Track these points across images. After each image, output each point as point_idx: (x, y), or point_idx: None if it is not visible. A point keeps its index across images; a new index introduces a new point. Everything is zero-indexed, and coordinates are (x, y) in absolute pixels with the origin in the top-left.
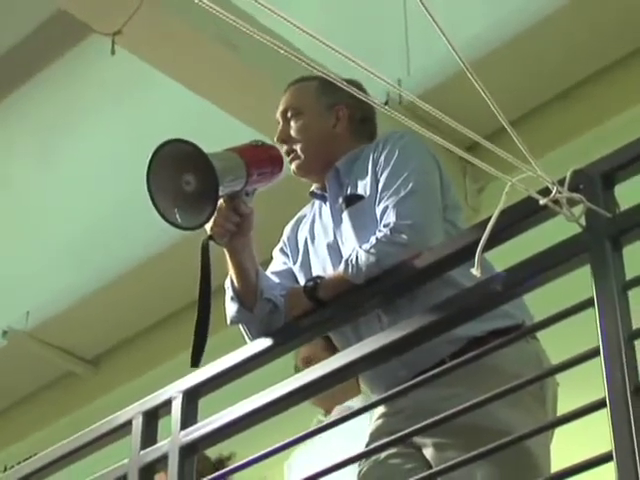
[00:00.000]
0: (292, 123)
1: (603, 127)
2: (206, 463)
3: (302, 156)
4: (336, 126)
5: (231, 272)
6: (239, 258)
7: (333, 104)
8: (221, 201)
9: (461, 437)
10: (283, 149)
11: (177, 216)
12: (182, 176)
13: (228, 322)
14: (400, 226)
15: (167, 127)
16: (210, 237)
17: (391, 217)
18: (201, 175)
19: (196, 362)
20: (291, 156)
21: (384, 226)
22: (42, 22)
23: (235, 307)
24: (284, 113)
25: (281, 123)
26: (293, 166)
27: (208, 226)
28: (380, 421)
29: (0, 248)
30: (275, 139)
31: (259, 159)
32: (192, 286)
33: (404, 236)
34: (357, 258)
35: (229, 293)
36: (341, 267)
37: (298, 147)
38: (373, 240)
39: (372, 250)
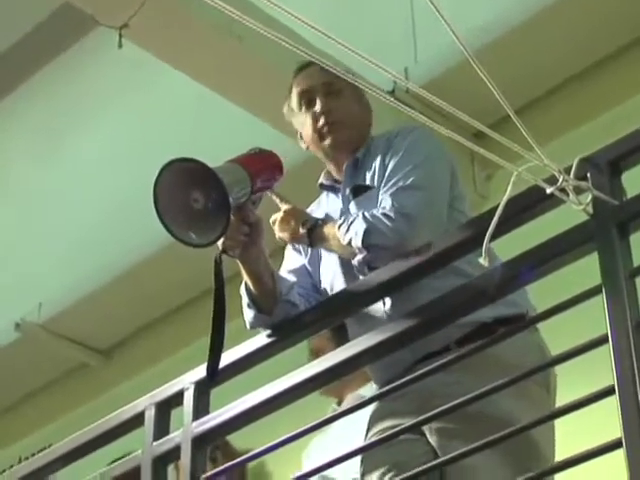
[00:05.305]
0: (335, 97)
1: (610, 114)
2: (232, 450)
3: (346, 128)
4: (367, 111)
5: (247, 279)
6: (254, 267)
7: (363, 95)
8: None
9: (465, 423)
10: (322, 120)
11: (192, 234)
12: (190, 194)
13: (247, 327)
14: (397, 214)
15: (173, 121)
16: (223, 251)
17: (388, 204)
18: (209, 191)
19: (212, 376)
20: (333, 127)
21: (382, 208)
22: (45, 17)
23: (253, 313)
24: (326, 85)
25: (319, 93)
26: (335, 136)
27: (219, 240)
28: (381, 403)
29: (11, 243)
30: (319, 109)
31: (261, 168)
32: (204, 276)
33: (398, 224)
34: (353, 221)
35: (245, 300)
36: (338, 222)
37: (344, 120)
38: (375, 212)
39: (369, 219)
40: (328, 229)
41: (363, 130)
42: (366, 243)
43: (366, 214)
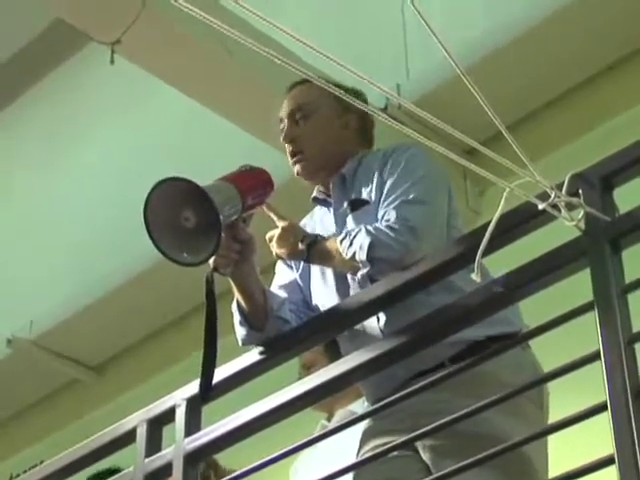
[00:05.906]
0: (301, 123)
1: (602, 129)
2: (222, 468)
3: (310, 159)
4: (346, 128)
5: (238, 297)
6: (245, 284)
7: (347, 107)
8: None
9: (458, 440)
10: (288, 149)
11: (183, 253)
12: (181, 213)
13: (239, 344)
14: (402, 226)
15: (168, 134)
16: (214, 269)
17: (392, 217)
18: (200, 210)
19: (206, 393)
20: (297, 157)
21: (385, 221)
22: (41, 31)
23: (245, 330)
24: (293, 113)
25: (287, 122)
26: (298, 167)
27: (211, 259)
28: (372, 422)
29: (3, 256)
30: (282, 138)
31: (251, 185)
32: (196, 292)
33: (403, 237)
34: (356, 235)
35: (237, 317)
36: (340, 236)
37: (307, 149)
38: (377, 225)
39: (373, 232)
40: (330, 244)
41: (344, 148)
42: (371, 256)
43: (369, 227)
